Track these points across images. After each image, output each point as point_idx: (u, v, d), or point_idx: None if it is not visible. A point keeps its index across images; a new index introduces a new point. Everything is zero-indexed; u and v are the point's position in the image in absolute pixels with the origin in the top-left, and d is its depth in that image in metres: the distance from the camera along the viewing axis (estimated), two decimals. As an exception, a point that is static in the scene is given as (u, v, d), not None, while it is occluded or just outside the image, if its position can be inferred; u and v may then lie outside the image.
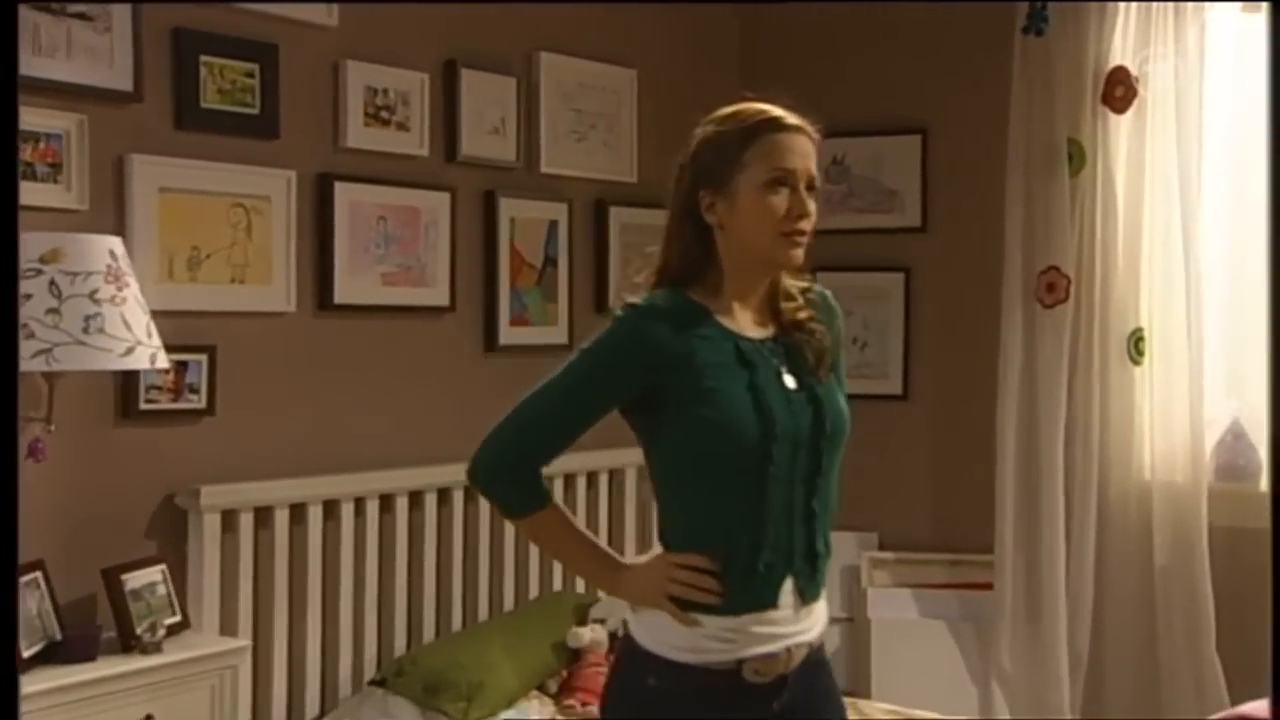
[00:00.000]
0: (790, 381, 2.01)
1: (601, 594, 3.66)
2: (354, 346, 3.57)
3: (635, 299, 2.04)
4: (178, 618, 3.04)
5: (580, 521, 2.17)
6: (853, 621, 4.48)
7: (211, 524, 3.17)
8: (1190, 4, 4.06)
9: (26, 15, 2.85)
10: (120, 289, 2.72)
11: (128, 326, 2.72)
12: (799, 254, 2.01)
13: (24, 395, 2.75)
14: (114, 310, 2.70)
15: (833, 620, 4.57)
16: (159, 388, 3.12)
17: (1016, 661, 4.23)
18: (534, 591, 3.87)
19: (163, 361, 2.81)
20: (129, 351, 2.71)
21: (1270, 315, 3.77)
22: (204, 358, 3.20)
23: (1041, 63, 4.21)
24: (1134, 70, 4.14)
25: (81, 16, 2.95)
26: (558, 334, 4.09)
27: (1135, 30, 4.15)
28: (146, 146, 3.11)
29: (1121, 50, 4.18)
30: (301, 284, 3.43)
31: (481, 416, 3.93)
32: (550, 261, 4.08)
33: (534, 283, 4.03)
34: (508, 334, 3.93)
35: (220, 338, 3.25)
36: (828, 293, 2.16)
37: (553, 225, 4.08)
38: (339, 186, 3.48)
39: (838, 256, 4.61)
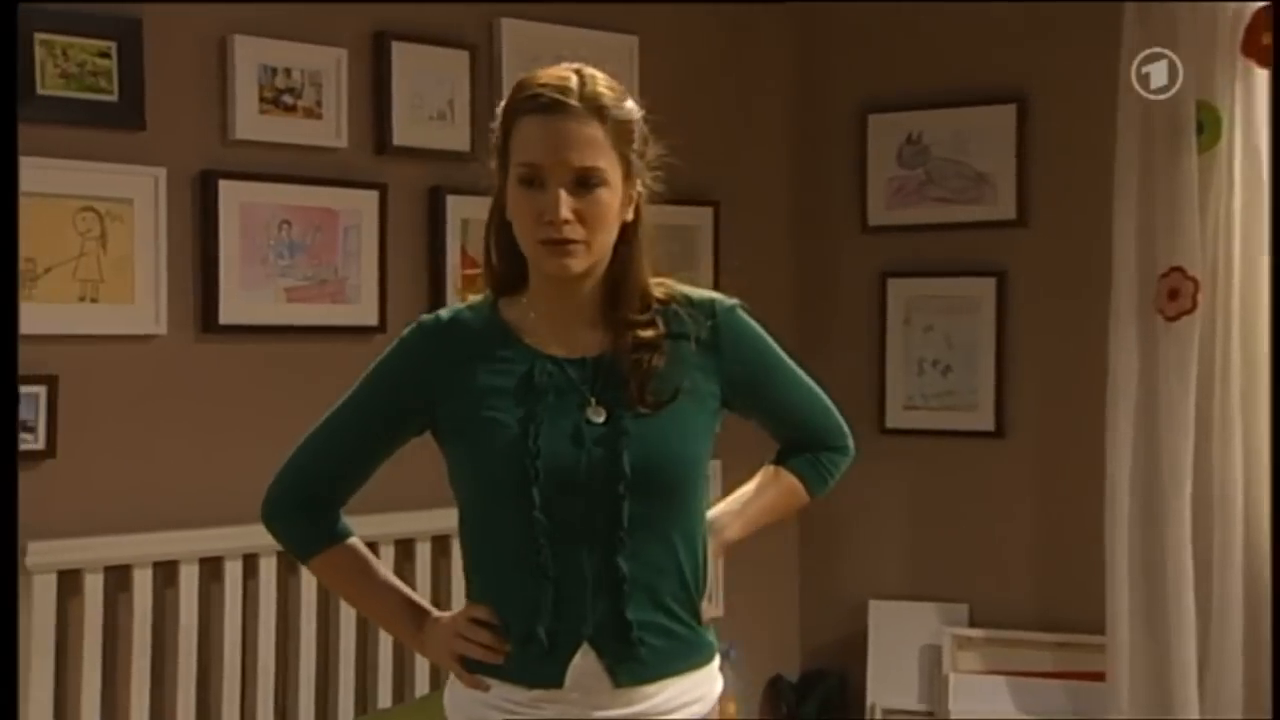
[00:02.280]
0: (597, 414, 1.90)
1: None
2: (247, 375, 3.39)
3: (432, 313, 2.04)
4: (-17, 701, 2.89)
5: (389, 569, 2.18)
6: (931, 716, 4.17)
7: (44, 587, 3.02)
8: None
9: None
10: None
11: (-120, 354, 2.58)
12: (570, 264, 1.88)
13: None
14: None
15: (907, 714, 4.35)
16: (-21, 426, 3.00)
17: (1140, 775, 3.81)
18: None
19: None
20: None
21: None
22: (41, 390, 3.06)
23: (1162, 5, 3.79)
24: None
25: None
26: (529, 356, 3.85)
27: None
28: (-36, 143, 3.00)
29: (1268, -16, 3.73)
30: (176, 302, 3.28)
31: (427, 457, 3.72)
32: (519, 271, 3.83)
33: (495, 297, 3.80)
34: (459, 357, 3.71)
35: (64, 366, 3.12)
36: (718, 301, 2.02)
37: (524, 226, 3.85)
38: (225, 185, 3.31)
39: (913, 259, 4.32)
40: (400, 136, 3.60)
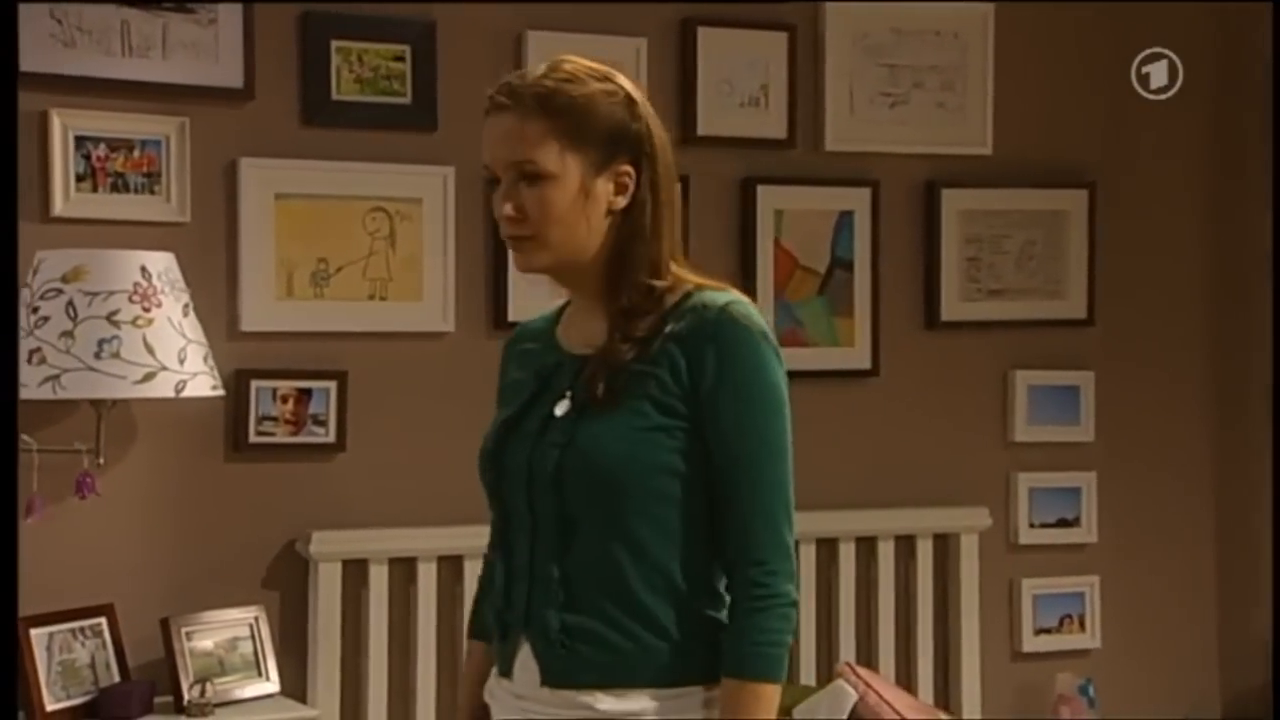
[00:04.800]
0: (562, 408, 1.96)
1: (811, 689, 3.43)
2: (538, 374, 3.59)
3: None
4: (264, 679, 3.25)
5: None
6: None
7: (329, 575, 3.34)
8: None
9: (113, 13, 3.22)
10: (148, 310, 2.97)
11: (150, 351, 2.95)
12: (524, 260, 1.98)
13: (73, 425, 3.12)
14: (134, 333, 2.95)
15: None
16: (273, 418, 3.37)
17: None
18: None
19: (198, 389, 3.03)
20: (147, 378, 2.94)
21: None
22: (332, 385, 3.39)
23: None
24: None
25: (181, 9, 3.28)
26: (855, 356, 3.87)
27: None
28: (260, 149, 3.36)
29: None
30: (465, 299, 3.51)
31: None
32: (841, 264, 3.85)
33: (814, 292, 3.83)
34: (771, 357, 3.78)
35: (353, 362, 3.42)
36: (719, 304, 1.93)
37: (845, 218, 3.85)
38: (513, 182, 3.53)
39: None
40: (706, 126, 3.70)
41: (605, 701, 1.90)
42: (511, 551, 1.97)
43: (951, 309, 3.96)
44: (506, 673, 1.98)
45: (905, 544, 3.89)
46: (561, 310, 2.07)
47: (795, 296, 3.82)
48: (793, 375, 3.92)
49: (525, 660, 1.95)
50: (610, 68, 1.98)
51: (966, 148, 3.97)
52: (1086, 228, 4.09)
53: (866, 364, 3.88)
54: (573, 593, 1.91)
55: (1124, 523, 4.16)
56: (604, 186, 1.93)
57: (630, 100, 1.95)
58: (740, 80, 3.76)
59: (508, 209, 1.92)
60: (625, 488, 1.89)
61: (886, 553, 3.86)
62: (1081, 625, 4.15)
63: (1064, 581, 4.10)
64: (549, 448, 1.92)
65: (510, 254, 2.00)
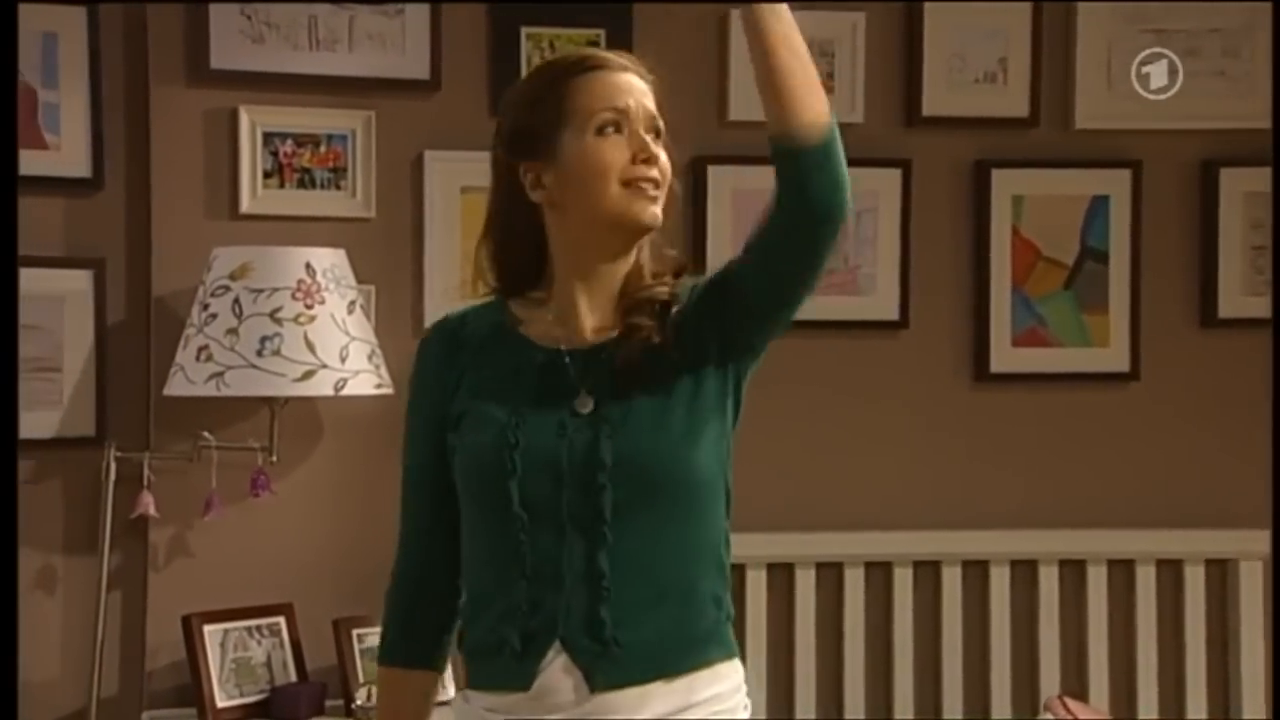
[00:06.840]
0: (584, 404, 2.00)
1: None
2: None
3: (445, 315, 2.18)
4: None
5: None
6: None
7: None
8: None
9: (300, 8, 3.38)
10: (310, 307, 3.11)
11: (310, 349, 3.09)
12: (656, 211, 2.00)
13: (254, 423, 3.30)
14: (296, 330, 3.09)
15: None
16: (446, 419, 3.47)
17: None
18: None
19: (359, 388, 3.14)
20: (306, 376, 3.07)
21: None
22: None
23: None
24: None
25: (368, 1, 3.42)
26: (1110, 358, 3.69)
27: None
28: (447, 141, 3.45)
29: None
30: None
31: (960, 472, 3.80)
32: (1093, 254, 3.66)
33: (1060, 286, 3.66)
34: (1009, 357, 3.64)
35: (540, 361, 3.49)
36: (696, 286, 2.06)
37: (1098, 203, 3.66)
38: (715, 171, 3.50)
39: None
40: (933, 105, 3.60)
41: (661, 690, 1.96)
42: (530, 557, 1.97)
43: (1232, 304, 3.70)
44: (525, 686, 1.97)
45: (1170, 569, 3.67)
46: (503, 307, 2.08)
47: (1037, 291, 3.66)
48: (1035, 378, 3.86)
49: (559, 669, 1.96)
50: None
51: (1254, 121, 3.68)
52: None
53: (1124, 366, 3.69)
54: (620, 587, 1.95)
55: None
56: None
57: None
58: (975, 54, 3.63)
59: (659, 151, 1.99)
60: (678, 478, 1.96)
61: (1147, 578, 3.65)
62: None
63: (1376, 620, 3.79)
64: (592, 441, 1.96)
65: (638, 204, 1.98)
